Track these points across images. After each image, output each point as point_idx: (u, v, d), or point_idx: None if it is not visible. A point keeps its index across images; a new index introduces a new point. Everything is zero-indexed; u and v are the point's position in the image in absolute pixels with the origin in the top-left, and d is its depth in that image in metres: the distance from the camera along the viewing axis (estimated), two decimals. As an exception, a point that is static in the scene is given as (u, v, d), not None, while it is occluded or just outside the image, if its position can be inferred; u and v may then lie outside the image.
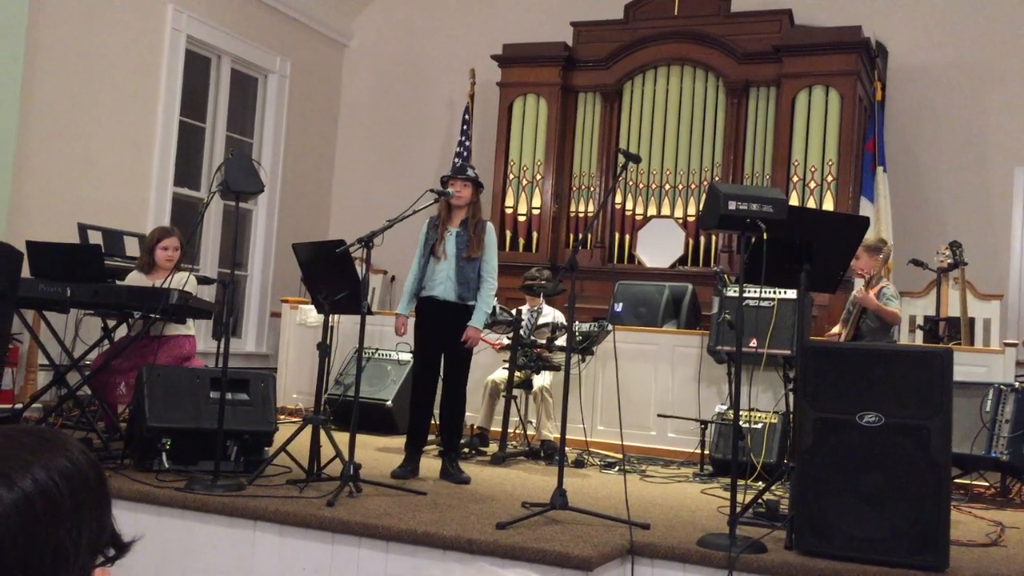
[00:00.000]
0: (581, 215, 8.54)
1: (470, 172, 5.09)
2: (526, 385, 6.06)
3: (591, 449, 6.30)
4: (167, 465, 4.39)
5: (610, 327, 6.01)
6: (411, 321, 5.21)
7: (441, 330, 5.00)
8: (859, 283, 5.61)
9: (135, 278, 5.56)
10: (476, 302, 5.00)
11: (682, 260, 8.14)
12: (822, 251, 3.92)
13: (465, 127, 9.12)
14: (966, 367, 5.42)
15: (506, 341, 6.01)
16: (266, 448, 4.69)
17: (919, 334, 6.70)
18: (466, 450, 5.79)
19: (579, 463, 5.78)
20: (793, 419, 3.91)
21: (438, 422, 5.17)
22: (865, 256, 5.80)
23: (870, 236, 5.98)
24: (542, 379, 6.11)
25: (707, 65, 8.24)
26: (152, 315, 5.00)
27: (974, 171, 8.09)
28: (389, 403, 6.72)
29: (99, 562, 1.02)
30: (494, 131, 8.89)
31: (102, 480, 1.03)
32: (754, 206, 3.62)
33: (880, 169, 7.82)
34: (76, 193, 7.24)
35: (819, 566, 3.37)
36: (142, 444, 4.47)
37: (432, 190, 4.93)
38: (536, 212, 8.54)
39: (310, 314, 7.50)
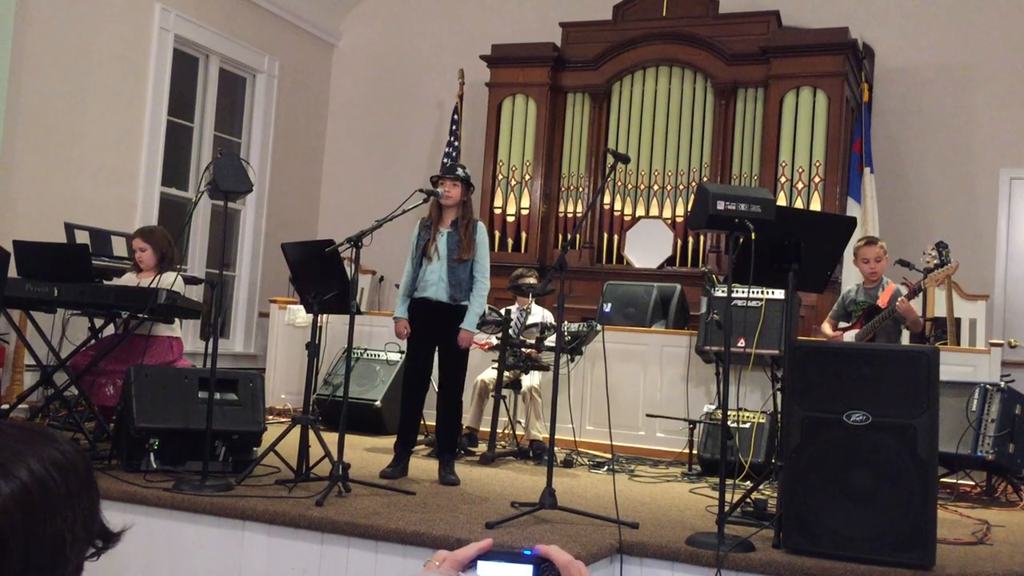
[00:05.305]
0: (570, 215, 8.55)
1: (460, 172, 5.06)
2: (515, 385, 6.07)
3: (580, 449, 6.31)
4: (155, 465, 4.38)
5: (599, 327, 6.03)
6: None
7: (434, 331, 4.99)
8: (903, 290, 5.55)
9: (128, 278, 5.57)
10: (468, 303, 4.98)
11: (670, 260, 8.16)
12: (810, 251, 3.94)
13: (454, 127, 9.12)
14: (952, 367, 5.45)
15: (495, 341, 6.01)
16: (255, 448, 4.68)
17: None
18: (456, 450, 5.79)
19: (568, 463, 5.78)
20: (781, 418, 3.93)
21: (435, 426, 5.16)
22: (884, 260, 5.74)
23: (858, 236, 5.99)
24: (531, 379, 6.12)
25: (695, 66, 8.27)
26: (140, 315, 4.98)
27: (960, 172, 8.15)
28: (378, 403, 6.71)
29: (89, 552, 1.03)
30: (483, 131, 8.89)
31: (90, 470, 1.05)
32: (742, 206, 3.64)
33: (867, 170, 7.87)
34: (63, 193, 7.21)
35: (807, 564, 3.39)
36: (130, 444, 4.45)
37: (421, 190, 4.92)
38: (525, 212, 8.55)
39: (299, 314, 7.48)
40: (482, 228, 5.10)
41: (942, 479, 5.16)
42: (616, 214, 8.39)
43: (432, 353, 5.09)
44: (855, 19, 8.14)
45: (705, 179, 8.07)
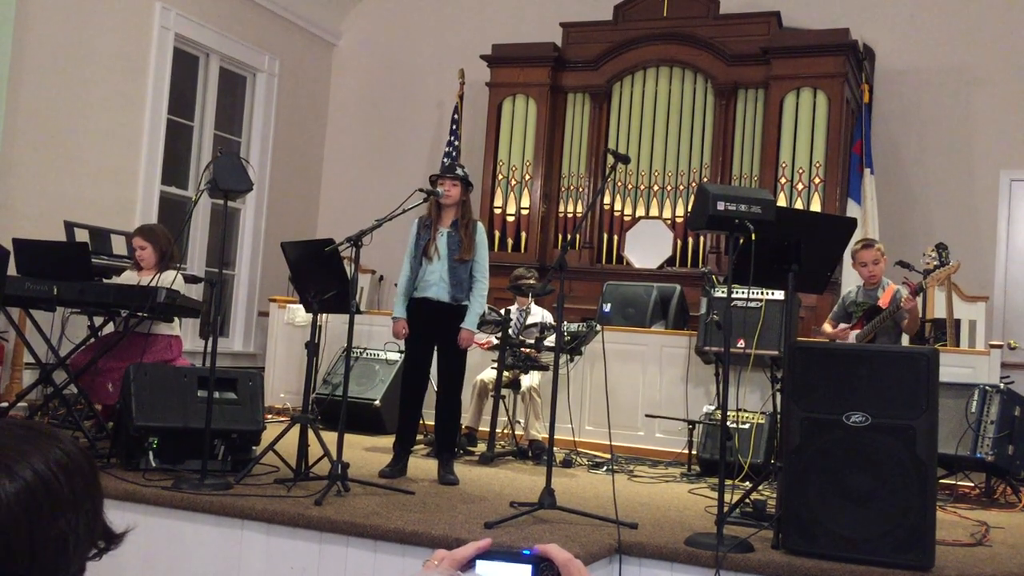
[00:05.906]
0: (570, 215, 8.55)
1: (459, 171, 5.06)
2: (514, 385, 6.07)
3: (579, 449, 6.31)
4: (154, 464, 4.38)
5: (598, 327, 6.02)
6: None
7: (434, 331, 4.98)
8: (903, 291, 5.54)
9: (128, 276, 5.57)
10: (469, 303, 4.98)
11: (670, 261, 8.16)
12: (810, 252, 3.93)
13: (454, 127, 9.11)
14: (952, 368, 5.45)
15: (495, 341, 6.01)
16: (254, 447, 4.68)
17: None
18: (455, 450, 5.79)
19: (567, 463, 5.78)
20: (780, 419, 3.93)
21: (434, 425, 5.15)
22: (883, 261, 5.75)
23: (858, 238, 5.99)
24: (530, 379, 6.11)
25: (696, 67, 8.27)
26: (139, 313, 4.98)
27: (960, 173, 8.14)
28: (377, 403, 6.71)
29: (92, 553, 1.02)
30: (483, 131, 8.89)
31: (95, 471, 1.04)
32: (743, 207, 3.64)
33: (867, 171, 7.86)
34: (63, 191, 7.21)
35: (806, 565, 3.39)
36: (129, 443, 4.45)
37: (421, 189, 4.91)
38: (525, 212, 8.54)
39: (298, 313, 7.48)
40: (481, 228, 5.10)
41: (941, 480, 5.16)
42: (616, 214, 8.39)
43: (431, 353, 5.09)
44: (855, 20, 8.14)
45: (705, 180, 8.07)
